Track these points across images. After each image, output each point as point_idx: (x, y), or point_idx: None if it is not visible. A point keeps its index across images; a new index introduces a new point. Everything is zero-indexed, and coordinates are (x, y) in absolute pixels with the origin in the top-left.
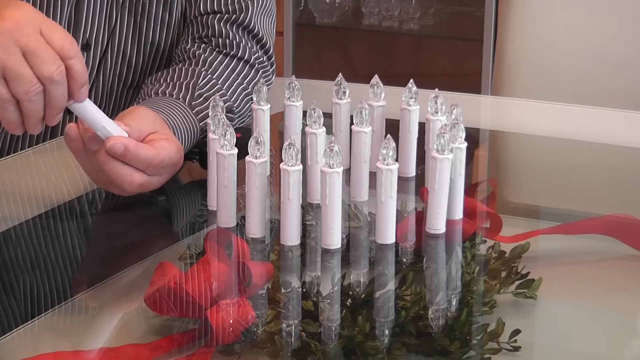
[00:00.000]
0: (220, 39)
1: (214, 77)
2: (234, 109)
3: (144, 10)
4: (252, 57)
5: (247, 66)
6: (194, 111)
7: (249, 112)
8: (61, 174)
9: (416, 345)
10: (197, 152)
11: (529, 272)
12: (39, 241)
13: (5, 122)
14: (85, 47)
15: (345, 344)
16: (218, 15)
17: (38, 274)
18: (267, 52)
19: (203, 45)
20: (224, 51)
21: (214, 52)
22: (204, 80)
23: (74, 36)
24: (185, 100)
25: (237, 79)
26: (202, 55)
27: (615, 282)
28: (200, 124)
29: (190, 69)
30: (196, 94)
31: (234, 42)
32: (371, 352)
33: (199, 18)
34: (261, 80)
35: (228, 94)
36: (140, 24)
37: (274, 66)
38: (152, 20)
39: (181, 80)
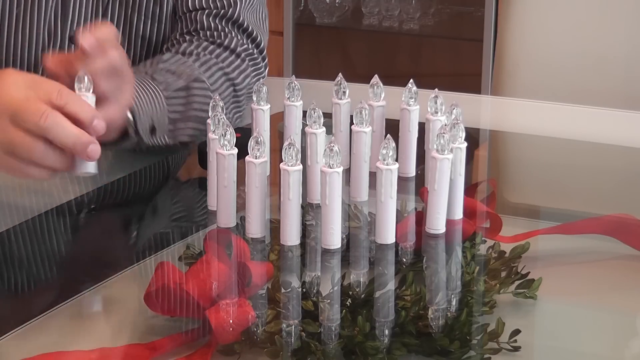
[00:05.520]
0: (208, 32)
1: (189, 59)
2: (209, 84)
3: (135, 3)
4: (238, 46)
5: (228, 51)
6: (152, 76)
7: (233, 98)
8: (62, 173)
9: (416, 345)
10: (197, 152)
11: (529, 272)
12: (39, 241)
13: (39, 177)
14: (71, 40)
15: (345, 344)
16: (207, 11)
17: (38, 273)
18: (258, 45)
19: (189, 37)
20: (210, 40)
21: (201, 43)
22: (174, 58)
23: (61, 29)
24: (147, 73)
25: (216, 61)
26: (188, 48)
27: (615, 282)
28: (164, 92)
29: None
30: (160, 66)
31: (222, 33)
32: (371, 352)
33: (187, 14)
34: (251, 72)
35: (202, 69)
36: (131, 17)
37: (265, 60)
38: (143, 14)
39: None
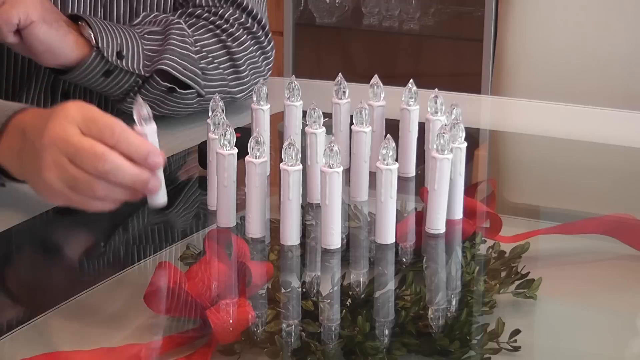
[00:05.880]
0: (206, 7)
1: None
2: (189, 32)
3: None
4: (231, 17)
5: (222, 20)
6: (129, 24)
7: (230, 62)
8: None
9: (416, 345)
10: (198, 151)
11: (529, 272)
12: (39, 240)
13: (103, 209)
14: None
15: (345, 344)
16: None
17: (38, 273)
18: (259, 22)
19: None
20: (205, 10)
21: (194, 11)
22: (157, 14)
23: None
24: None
25: (205, 23)
26: (177, 18)
27: (615, 282)
28: (139, 33)
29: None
30: (136, 21)
31: (218, 10)
32: (371, 352)
33: (183, 2)
34: (251, 43)
35: (190, 30)
36: (137, 9)
37: (269, 36)
38: (148, 5)
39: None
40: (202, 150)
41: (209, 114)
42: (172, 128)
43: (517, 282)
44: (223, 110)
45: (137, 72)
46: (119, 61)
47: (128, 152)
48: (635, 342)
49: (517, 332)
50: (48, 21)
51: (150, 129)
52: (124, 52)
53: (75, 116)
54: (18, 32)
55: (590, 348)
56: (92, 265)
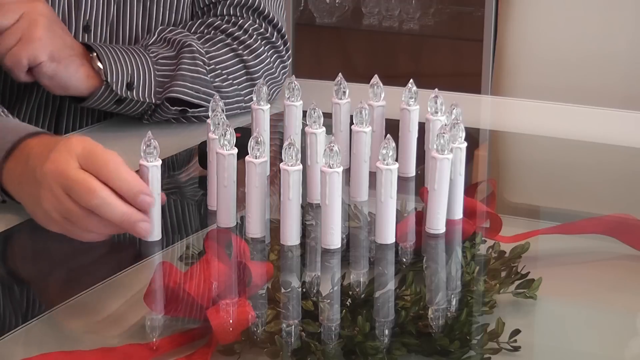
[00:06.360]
0: (227, 17)
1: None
2: (202, 50)
3: None
4: (251, 29)
5: (242, 31)
6: (146, 46)
7: (246, 75)
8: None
9: (416, 345)
10: (198, 152)
11: (529, 272)
12: (39, 240)
13: (96, 239)
14: (85, 30)
15: (345, 344)
16: (228, 2)
17: (38, 273)
18: (279, 30)
19: (202, 24)
20: (225, 21)
21: (213, 22)
22: (175, 30)
23: (75, 19)
24: (141, 45)
25: (223, 37)
26: (194, 28)
27: (615, 282)
28: (153, 58)
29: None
30: (153, 38)
31: (238, 18)
32: (371, 352)
33: (204, 8)
34: (268, 54)
35: (207, 45)
36: (150, 8)
37: (287, 44)
38: (162, 4)
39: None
40: (202, 150)
41: (209, 114)
42: (172, 128)
43: (517, 282)
44: (223, 110)
45: (147, 100)
46: (128, 92)
47: (119, 188)
48: (635, 342)
49: (517, 332)
50: (57, 59)
51: (154, 165)
52: (134, 84)
53: (76, 149)
54: (30, 69)
55: (590, 348)
56: (92, 265)
